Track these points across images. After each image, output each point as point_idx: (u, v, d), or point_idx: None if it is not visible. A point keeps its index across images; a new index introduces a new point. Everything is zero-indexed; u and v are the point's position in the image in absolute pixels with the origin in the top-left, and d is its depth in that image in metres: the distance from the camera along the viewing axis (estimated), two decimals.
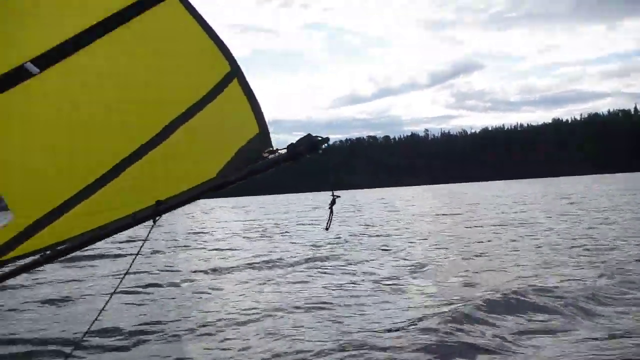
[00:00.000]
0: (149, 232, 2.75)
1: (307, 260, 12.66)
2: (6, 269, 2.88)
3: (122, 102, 2.83)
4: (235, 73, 2.94)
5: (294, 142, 2.65)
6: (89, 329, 3.22)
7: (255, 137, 2.89)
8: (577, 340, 5.62)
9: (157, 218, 2.67)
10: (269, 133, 2.94)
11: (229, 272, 11.61)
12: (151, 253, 16.12)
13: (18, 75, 2.63)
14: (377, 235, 17.99)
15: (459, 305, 7.18)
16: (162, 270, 12.09)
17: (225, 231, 24.56)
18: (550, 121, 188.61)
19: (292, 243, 17.18)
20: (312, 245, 15.85)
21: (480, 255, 12.05)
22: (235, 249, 16.30)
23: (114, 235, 2.90)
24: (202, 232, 24.10)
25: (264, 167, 2.71)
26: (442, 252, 13.03)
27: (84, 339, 5.90)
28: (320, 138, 2.61)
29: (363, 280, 9.73)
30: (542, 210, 26.37)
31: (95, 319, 3.09)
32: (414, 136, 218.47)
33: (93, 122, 2.81)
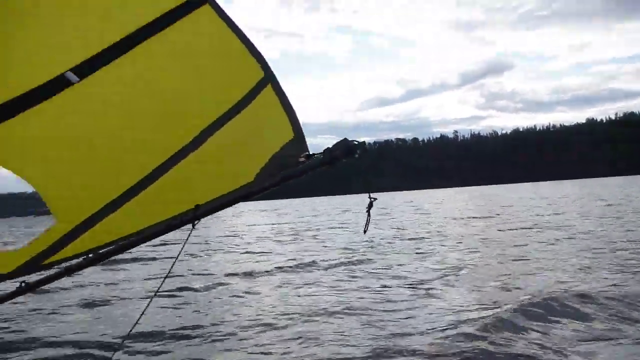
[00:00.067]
0: (188, 235, 2.78)
1: (340, 264, 12.64)
2: (49, 272, 2.96)
3: (157, 110, 2.88)
4: (269, 79, 2.96)
5: (330, 146, 2.64)
6: (130, 332, 3.26)
7: (291, 143, 2.90)
8: (618, 347, 5.47)
9: (195, 222, 2.70)
10: (304, 138, 2.94)
11: (262, 276, 11.67)
12: (185, 256, 16.32)
13: (59, 83, 2.70)
14: (410, 239, 17.83)
15: (496, 310, 7.06)
16: (196, 274, 12.20)
17: (256, 234, 24.73)
18: (583, 121, 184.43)
19: (325, 246, 17.17)
20: (344, 249, 15.82)
21: (516, 259, 11.83)
22: (267, 252, 16.39)
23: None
24: (233, 236, 24.31)
25: (300, 173, 2.70)
26: (477, 256, 12.84)
27: (125, 342, 5.99)
28: (356, 142, 2.59)
29: (398, 284, 9.65)
30: (578, 212, 25.76)
31: (136, 323, 3.14)
32: (443, 138, 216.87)
33: (130, 130, 2.87)
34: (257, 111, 2.93)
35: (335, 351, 5.72)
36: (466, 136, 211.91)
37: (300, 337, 6.34)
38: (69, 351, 6.30)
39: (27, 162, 2.80)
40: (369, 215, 2.68)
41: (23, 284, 2.89)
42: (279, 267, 12.61)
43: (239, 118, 2.90)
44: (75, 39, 2.76)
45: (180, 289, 10.00)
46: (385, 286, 9.46)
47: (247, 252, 16.89)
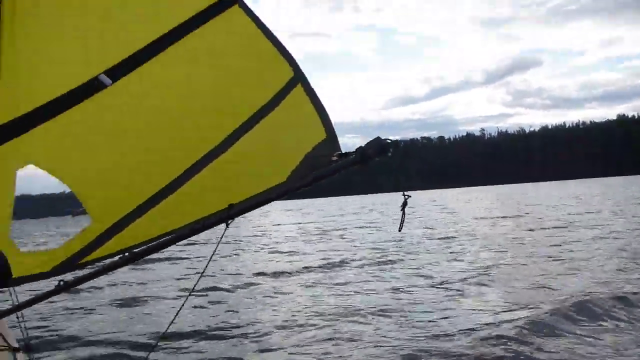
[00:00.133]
0: (222, 234, 2.80)
1: (370, 264, 12.57)
2: (86, 271, 3.01)
3: (190, 109, 2.90)
4: (299, 78, 2.95)
5: (363, 145, 2.63)
6: (165, 331, 3.31)
7: (323, 142, 2.89)
8: None
9: (229, 221, 2.72)
10: (336, 137, 2.93)
11: (292, 275, 11.67)
12: (214, 256, 16.39)
13: (92, 86, 2.74)
14: (439, 238, 17.62)
15: (532, 311, 6.93)
16: (226, 273, 12.28)
17: (284, 234, 24.80)
18: (614, 117, 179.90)
19: (354, 246, 17.09)
20: (373, 248, 15.73)
21: (550, 259, 11.58)
22: (296, 252, 16.39)
23: None
24: (261, 235, 24.40)
25: (332, 172, 2.69)
26: (508, 256, 12.61)
27: (159, 341, 6.04)
28: (389, 141, 2.57)
29: (429, 284, 9.54)
30: (611, 211, 25.13)
31: (172, 322, 3.18)
32: (469, 136, 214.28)
33: (162, 130, 2.89)
34: (287, 111, 2.92)
35: (371, 353, 5.65)
36: (493, 134, 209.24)
37: (334, 338, 6.30)
38: (105, 350, 6.39)
39: (62, 163, 2.85)
40: (403, 213, 2.66)
41: (61, 283, 2.95)
42: (309, 267, 12.60)
43: (270, 118, 2.90)
44: (108, 42, 2.80)
45: (212, 289, 10.05)
46: (417, 286, 9.36)
47: (275, 252, 16.93)
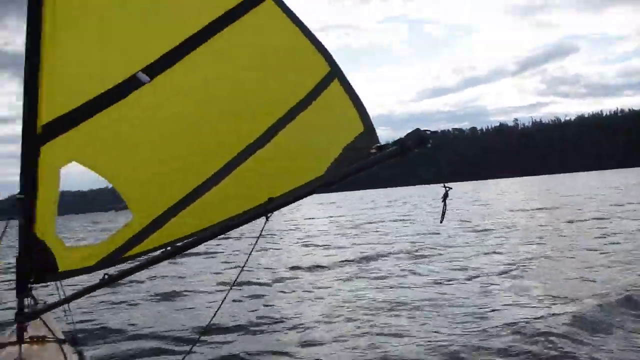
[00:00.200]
0: (262, 227, 2.83)
1: (406, 257, 12.45)
2: (129, 265, 3.08)
3: (227, 105, 2.93)
4: (335, 73, 2.98)
5: (402, 136, 2.61)
6: (208, 324, 3.36)
7: (361, 135, 2.92)
8: None
9: (269, 215, 2.75)
10: (374, 130, 2.95)
11: (329, 269, 11.63)
12: (249, 248, 16.53)
13: (131, 84, 2.79)
14: (474, 231, 17.35)
15: (576, 305, 6.75)
16: (261, 267, 12.33)
17: (317, 227, 24.81)
18: None
19: (388, 239, 16.95)
20: (408, 241, 15.57)
21: (592, 252, 11.23)
22: (331, 245, 16.37)
23: None
24: (294, 229, 24.44)
25: (371, 164, 2.69)
26: (548, 248, 12.29)
27: (201, 335, 6.10)
28: (429, 132, 2.54)
29: (468, 277, 9.36)
30: None
31: (214, 315, 3.24)
32: (502, 126, 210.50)
33: (201, 126, 2.93)
34: (324, 105, 2.95)
35: (414, 348, 5.56)
36: (527, 124, 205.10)
37: (376, 332, 6.22)
38: (148, 344, 6.47)
39: (103, 160, 2.92)
40: (444, 204, 2.66)
41: (106, 276, 3.03)
42: (345, 260, 12.55)
43: (307, 113, 2.93)
44: (145, 40, 2.84)
45: (249, 282, 10.08)
46: (456, 279, 9.20)
47: (310, 245, 16.96)
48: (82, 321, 7.04)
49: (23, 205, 2.93)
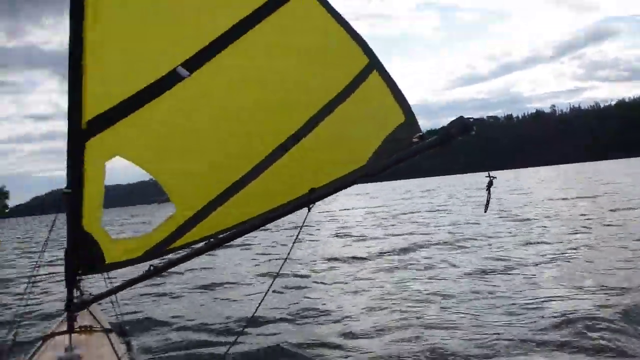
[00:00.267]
0: (305, 218, 2.85)
1: (447, 247, 12.27)
2: (173, 257, 3.14)
3: (266, 97, 2.96)
4: (374, 65, 3.00)
5: (445, 125, 2.58)
6: (252, 315, 3.40)
7: (402, 125, 2.92)
8: None
9: (311, 205, 2.76)
10: (416, 120, 2.94)
11: (366, 260, 11.52)
12: (286, 240, 16.71)
13: (171, 79, 2.83)
14: (514, 220, 16.98)
15: (623, 297, 6.49)
16: (299, 258, 12.31)
17: (353, 218, 24.70)
18: None
19: (428, 230, 16.72)
20: (448, 232, 15.36)
21: (636, 241, 10.75)
22: (367, 237, 16.26)
23: None
24: (331, 220, 24.34)
25: (413, 153, 2.67)
26: (592, 237, 11.91)
27: (245, 327, 6.12)
28: (472, 119, 2.50)
29: (513, 267, 9.12)
30: None
31: (258, 307, 3.27)
32: (539, 113, 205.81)
33: (240, 119, 2.97)
34: (364, 97, 2.95)
35: (462, 342, 5.42)
36: (565, 110, 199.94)
37: (422, 324, 6.11)
38: (192, 335, 6.51)
39: (146, 154, 2.98)
40: (489, 193, 2.63)
41: (151, 268, 3.10)
42: (384, 251, 12.44)
43: (347, 104, 2.94)
44: (183, 35, 2.88)
45: (288, 274, 10.03)
46: (501, 270, 8.98)
47: (347, 236, 16.89)
48: (125, 313, 7.20)
49: (70, 200, 3.01)
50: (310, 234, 18.00)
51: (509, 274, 8.69)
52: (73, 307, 3.42)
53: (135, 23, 2.84)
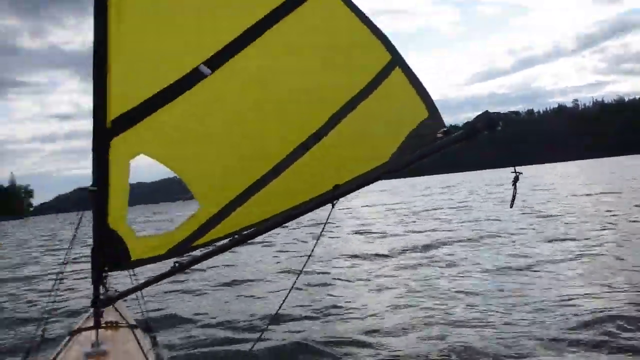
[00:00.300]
0: (329, 215, 2.84)
1: (470, 244, 12.14)
2: (197, 254, 3.16)
3: (288, 95, 2.96)
4: (396, 61, 2.99)
5: (471, 119, 2.55)
6: (276, 312, 3.41)
7: (425, 121, 2.91)
8: None
9: (335, 202, 2.76)
10: (440, 116, 2.92)
11: (389, 257, 11.46)
12: (307, 237, 16.73)
13: (193, 77, 2.85)
14: (537, 217, 16.70)
15: None
16: (320, 255, 12.24)
17: (373, 215, 24.61)
18: None
19: (450, 226, 16.59)
20: (470, 229, 15.20)
21: None
22: (387, 233, 16.19)
23: None
24: (350, 217, 24.24)
25: (438, 148, 2.64)
26: (617, 235, 11.63)
27: (269, 323, 6.14)
28: (498, 114, 2.46)
29: (536, 265, 8.96)
30: None
31: (282, 303, 3.28)
32: (561, 107, 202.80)
33: (263, 116, 2.98)
34: (387, 93, 2.95)
35: (491, 342, 5.32)
36: (588, 104, 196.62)
37: (448, 321, 6.06)
38: (216, 331, 6.54)
39: (170, 152, 3.01)
40: (515, 189, 2.59)
41: (176, 264, 3.13)
42: (406, 248, 12.37)
43: (369, 101, 2.92)
44: (205, 33, 2.89)
45: (310, 271, 9.95)
46: (523, 267, 8.85)
47: (367, 233, 16.82)
48: (150, 310, 7.26)
49: (96, 198, 3.05)
50: (330, 231, 17.94)
51: (535, 271, 8.55)
52: (99, 303, 3.47)
53: (158, 21, 2.88)
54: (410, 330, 5.90)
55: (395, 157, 2.83)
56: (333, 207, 2.76)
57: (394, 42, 2.96)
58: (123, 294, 3.59)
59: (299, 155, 2.93)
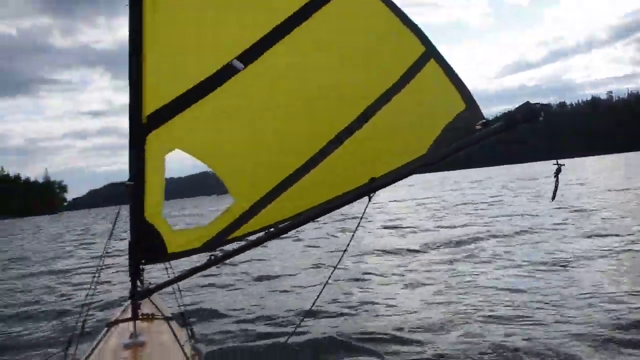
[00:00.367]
0: (365, 208, 2.82)
1: (506, 240, 11.94)
2: (234, 246, 3.18)
3: (321, 89, 2.94)
4: (430, 53, 2.92)
5: (510, 110, 2.50)
6: (311, 307, 3.41)
7: (463, 113, 2.83)
8: None
9: (371, 195, 2.73)
10: (477, 107, 2.85)
11: (421, 252, 11.37)
12: (338, 232, 16.74)
13: (226, 72, 2.86)
14: (573, 212, 16.30)
15: None
16: (351, 250, 12.17)
17: (403, 210, 24.47)
18: None
19: (482, 222, 16.29)
20: (504, 224, 14.94)
21: None
22: (418, 228, 16.08)
23: None
24: (380, 212, 24.11)
25: (476, 140, 2.59)
26: None
27: (303, 318, 6.13)
28: (539, 104, 2.40)
29: (575, 261, 8.73)
30: None
31: (317, 298, 3.27)
32: (594, 100, 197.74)
33: (294, 111, 2.97)
34: (422, 85, 2.90)
35: (526, 340, 5.19)
36: (622, 96, 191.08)
37: (490, 317, 5.94)
38: (249, 324, 6.58)
39: (203, 146, 3.04)
40: (557, 180, 2.54)
41: (212, 257, 3.15)
42: (438, 243, 12.25)
43: (404, 93, 2.88)
44: (238, 27, 2.89)
45: (341, 266, 9.70)
46: (562, 263, 8.63)
47: (398, 228, 16.72)
48: (185, 304, 7.34)
49: (133, 192, 3.09)
50: (361, 226, 17.75)
51: (574, 267, 8.32)
52: (137, 295, 3.52)
53: (192, 13, 2.89)
54: (448, 327, 5.79)
55: (432, 150, 2.79)
56: (370, 200, 2.74)
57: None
58: (160, 287, 3.63)
59: (332, 149, 2.91)
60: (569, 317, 5.76)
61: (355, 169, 2.87)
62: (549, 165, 2.58)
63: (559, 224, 13.85)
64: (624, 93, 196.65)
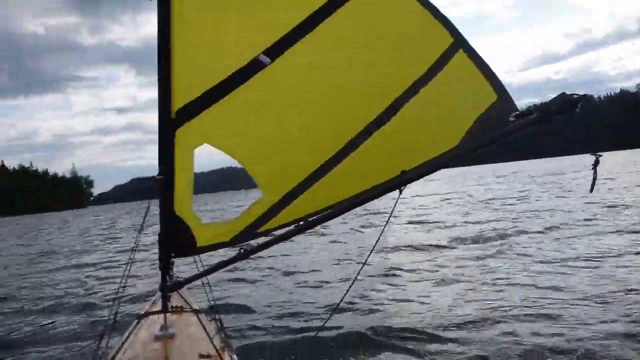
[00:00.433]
0: (396, 202, 2.79)
1: (535, 235, 11.72)
2: (263, 240, 3.19)
3: (348, 81, 2.93)
4: (459, 44, 2.89)
5: (546, 101, 2.46)
6: (339, 302, 3.38)
7: (495, 104, 2.78)
8: None
9: (402, 188, 2.70)
10: (510, 98, 2.81)
11: (449, 248, 11.24)
12: (361, 227, 16.69)
13: (253, 67, 2.86)
14: (604, 207, 15.88)
15: None
16: (377, 245, 12.14)
17: (428, 205, 24.30)
18: None
19: (511, 217, 16.00)
20: (534, 219, 14.66)
21: None
22: (444, 223, 15.93)
23: None
24: (404, 207, 23.78)
25: (509, 132, 2.54)
26: None
27: (332, 313, 6.09)
28: (576, 95, 2.35)
29: (614, 257, 8.49)
30: None
31: (345, 295, 3.26)
32: (623, 93, 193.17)
33: (323, 103, 2.96)
34: (451, 76, 2.86)
35: (564, 341, 5.04)
36: None
37: (526, 315, 5.81)
38: (277, 319, 6.58)
39: (232, 141, 3.04)
40: (595, 172, 2.50)
41: (241, 251, 3.16)
42: (467, 239, 12.09)
43: (433, 85, 2.85)
44: (265, 22, 2.89)
45: (369, 262, 9.58)
46: (600, 259, 8.42)
47: (424, 223, 16.60)
48: (214, 297, 7.39)
49: (163, 186, 3.12)
50: (385, 221, 17.77)
51: (610, 264, 8.07)
52: (167, 288, 3.57)
53: (219, 14, 2.90)
54: (481, 324, 5.67)
55: (464, 142, 2.74)
56: (400, 193, 2.71)
57: None
58: (189, 280, 3.67)
59: (361, 141, 2.90)
60: (613, 315, 5.58)
61: (384, 162, 2.85)
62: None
63: (589, 219, 13.53)
64: None
